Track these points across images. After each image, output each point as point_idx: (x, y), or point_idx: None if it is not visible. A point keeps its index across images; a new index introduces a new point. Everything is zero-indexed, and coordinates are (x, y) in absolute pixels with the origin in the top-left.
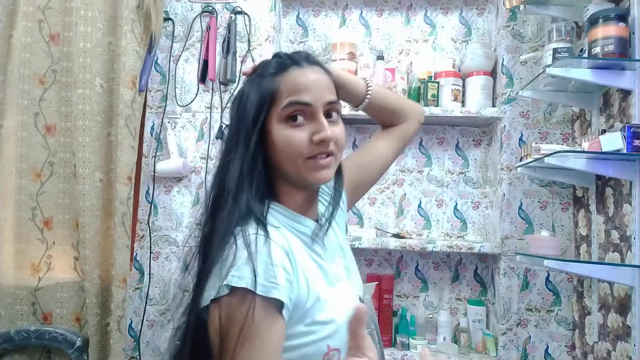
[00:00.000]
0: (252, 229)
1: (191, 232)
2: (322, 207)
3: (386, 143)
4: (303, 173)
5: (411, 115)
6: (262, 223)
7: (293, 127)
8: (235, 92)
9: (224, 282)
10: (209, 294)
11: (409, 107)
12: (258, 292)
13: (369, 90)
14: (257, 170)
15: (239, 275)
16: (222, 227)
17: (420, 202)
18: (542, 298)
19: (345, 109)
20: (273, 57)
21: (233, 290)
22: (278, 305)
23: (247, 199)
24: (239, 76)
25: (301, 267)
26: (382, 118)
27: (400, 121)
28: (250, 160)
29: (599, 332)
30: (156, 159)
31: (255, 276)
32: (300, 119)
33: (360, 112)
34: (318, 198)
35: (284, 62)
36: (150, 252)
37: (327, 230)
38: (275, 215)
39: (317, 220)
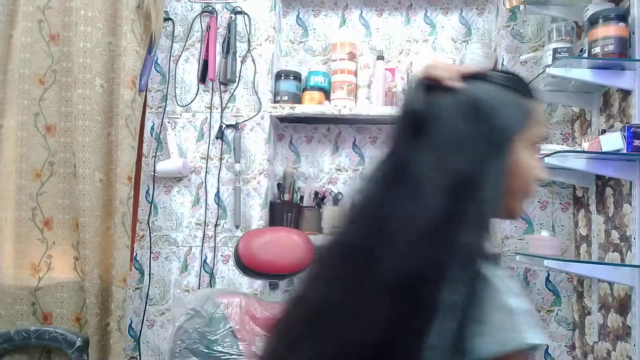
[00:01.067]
0: (492, 268)
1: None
2: None
3: None
4: (519, 206)
5: None
6: (492, 261)
7: (534, 157)
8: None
9: (521, 341)
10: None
11: None
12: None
13: None
14: (501, 193)
15: (533, 332)
16: (466, 254)
17: None
18: (542, 298)
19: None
20: (516, 76)
21: (523, 349)
22: None
23: (489, 226)
24: (239, 76)
25: None
26: None
27: None
28: (501, 181)
29: (599, 332)
30: (156, 159)
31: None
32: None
33: (360, 112)
34: None
35: (530, 89)
36: (150, 252)
37: None
38: None
39: None
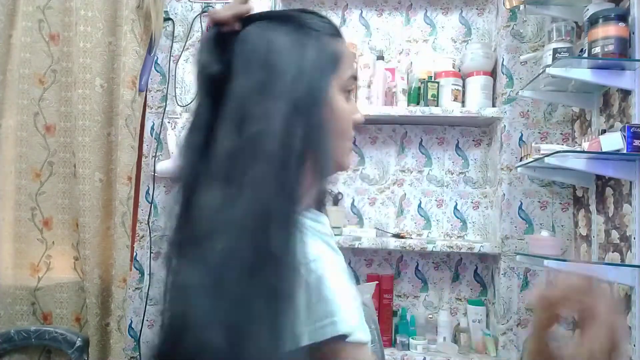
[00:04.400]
0: (311, 247)
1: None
2: None
3: None
4: (345, 155)
5: None
6: (314, 236)
7: (350, 100)
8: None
9: (334, 332)
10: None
11: None
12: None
13: None
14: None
15: (346, 321)
16: (285, 246)
17: (420, 202)
18: None
19: None
20: (311, 13)
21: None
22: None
23: (299, 198)
24: None
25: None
26: None
27: None
28: (308, 140)
29: None
30: (156, 159)
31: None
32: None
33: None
34: None
35: (336, 27)
36: (150, 252)
37: None
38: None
39: None
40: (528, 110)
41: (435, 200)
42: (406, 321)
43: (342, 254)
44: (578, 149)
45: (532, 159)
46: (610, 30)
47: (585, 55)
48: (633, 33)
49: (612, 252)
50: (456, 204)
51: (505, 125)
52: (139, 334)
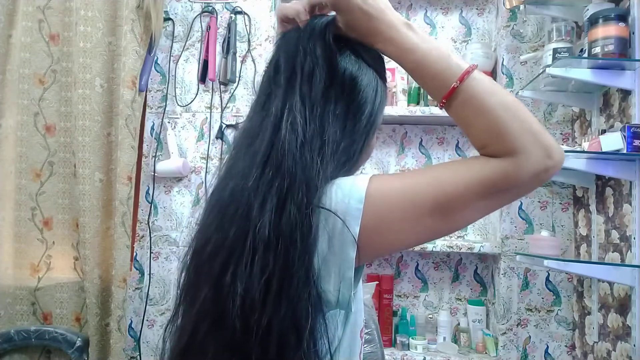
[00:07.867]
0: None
1: None
2: None
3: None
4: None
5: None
6: None
7: (375, 137)
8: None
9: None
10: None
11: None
12: None
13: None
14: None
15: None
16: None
17: None
18: (542, 298)
19: None
20: (381, 58)
21: None
22: None
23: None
24: (239, 76)
25: None
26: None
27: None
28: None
29: (599, 332)
30: (156, 159)
31: None
32: None
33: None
34: None
35: (385, 72)
36: (150, 252)
37: None
38: None
39: None
40: None
41: None
42: (406, 321)
43: None
44: (578, 149)
45: None
46: (610, 30)
47: (585, 55)
48: (633, 33)
49: (612, 252)
50: None
51: None
52: (139, 334)
